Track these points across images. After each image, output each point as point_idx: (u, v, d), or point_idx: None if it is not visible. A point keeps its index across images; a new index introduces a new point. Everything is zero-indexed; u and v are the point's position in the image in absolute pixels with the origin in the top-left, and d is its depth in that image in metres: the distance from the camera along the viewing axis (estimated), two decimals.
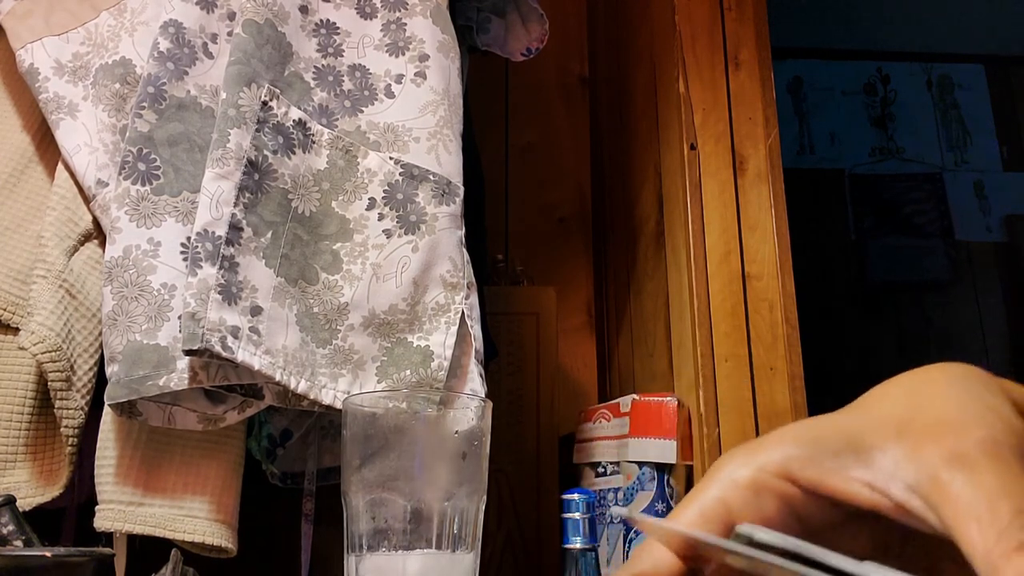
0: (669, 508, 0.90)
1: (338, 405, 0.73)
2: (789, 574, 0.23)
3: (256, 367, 0.70)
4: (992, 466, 0.22)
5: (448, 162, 0.83)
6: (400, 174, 0.81)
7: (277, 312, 0.73)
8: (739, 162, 0.97)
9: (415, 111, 0.84)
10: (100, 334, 0.76)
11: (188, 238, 0.74)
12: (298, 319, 0.74)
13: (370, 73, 0.85)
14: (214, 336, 0.67)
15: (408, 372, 0.76)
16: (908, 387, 0.27)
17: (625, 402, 0.97)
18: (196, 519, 0.76)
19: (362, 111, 0.83)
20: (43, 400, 0.77)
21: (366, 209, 0.80)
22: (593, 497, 0.78)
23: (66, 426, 0.75)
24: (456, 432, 0.63)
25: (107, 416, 0.77)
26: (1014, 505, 0.21)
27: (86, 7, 0.89)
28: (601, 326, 1.42)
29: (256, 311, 0.71)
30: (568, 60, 1.59)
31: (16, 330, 0.77)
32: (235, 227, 0.72)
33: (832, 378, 2.28)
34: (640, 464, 0.92)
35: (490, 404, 0.66)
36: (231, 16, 0.83)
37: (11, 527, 0.65)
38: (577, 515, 0.76)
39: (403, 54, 0.86)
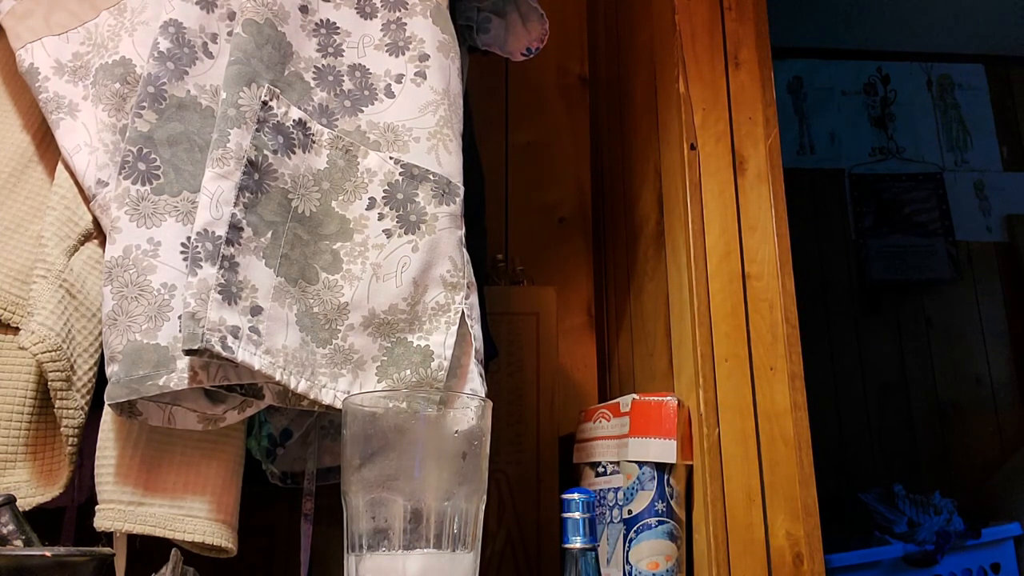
0: (669, 508, 0.90)
1: (338, 405, 0.73)
2: None
3: (256, 367, 0.70)
4: None
5: (448, 162, 0.83)
6: (400, 174, 0.81)
7: (277, 312, 0.73)
8: (739, 162, 0.97)
9: (415, 111, 0.84)
10: (100, 334, 0.76)
11: (188, 238, 0.74)
12: (298, 319, 0.74)
13: (370, 73, 0.85)
14: (214, 336, 0.67)
15: (408, 372, 0.76)
16: None
17: (625, 402, 0.97)
18: (196, 519, 0.76)
19: (362, 111, 0.83)
20: (43, 400, 0.77)
21: (366, 209, 0.80)
22: (593, 497, 0.78)
23: (66, 426, 0.75)
24: (456, 432, 0.63)
25: (107, 416, 0.77)
26: None
27: (86, 7, 0.89)
28: (601, 326, 1.42)
29: (256, 311, 0.71)
30: (568, 60, 1.59)
31: (16, 330, 0.77)
32: (235, 227, 0.72)
33: (832, 378, 2.28)
34: (640, 464, 0.92)
35: (490, 404, 0.66)
36: (231, 16, 0.83)
37: (11, 527, 0.65)
38: (577, 515, 0.76)
39: (403, 54, 0.86)
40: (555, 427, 1.25)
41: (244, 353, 0.69)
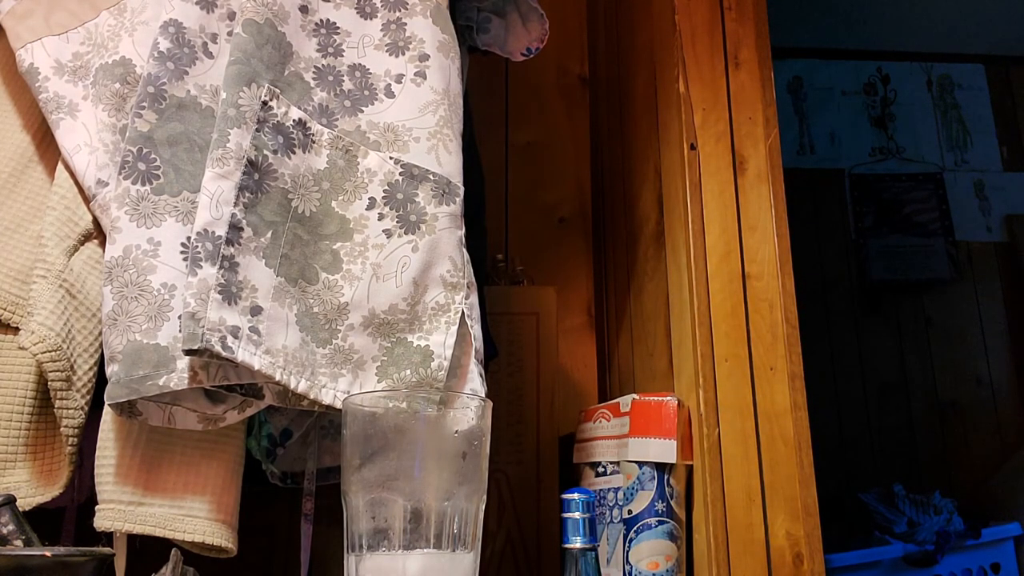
0: (669, 508, 0.90)
1: (338, 405, 0.73)
2: None
3: (256, 367, 0.70)
4: None
5: (448, 162, 0.83)
6: (400, 174, 0.81)
7: (277, 312, 0.73)
8: (739, 162, 0.97)
9: (415, 111, 0.84)
10: (100, 334, 0.76)
11: (188, 238, 0.74)
12: (298, 319, 0.74)
13: (370, 73, 0.85)
14: (214, 336, 0.67)
15: (408, 372, 0.76)
16: None
17: (625, 402, 0.97)
18: (196, 519, 0.76)
19: (362, 111, 0.83)
20: (43, 400, 0.77)
21: (366, 209, 0.80)
22: (593, 497, 0.78)
23: (66, 426, 0.75)
24: (456, 432, 0.63)
25: (107, 416, 0.77)
26: None
27: (86, 7, 0.89)
28: (601, 326, 1.42)
29: (256, 311, 0.71)
30: (568, 60, 1.59)
31: (16, 330, 0.77)
32: (235, 227, 0.72)
33: (832, 378, 2.28)
34: (640, 464, 0.92)
35: (490, 404, 0.66)
36: (231, 16, 0.83)
37: (11, 527, 0.65)
38: (577, 515, 0.76)
39: (403, 54, 0.86)
40: (555, 427, 1.25)
41: (244, 353, 0.69)
